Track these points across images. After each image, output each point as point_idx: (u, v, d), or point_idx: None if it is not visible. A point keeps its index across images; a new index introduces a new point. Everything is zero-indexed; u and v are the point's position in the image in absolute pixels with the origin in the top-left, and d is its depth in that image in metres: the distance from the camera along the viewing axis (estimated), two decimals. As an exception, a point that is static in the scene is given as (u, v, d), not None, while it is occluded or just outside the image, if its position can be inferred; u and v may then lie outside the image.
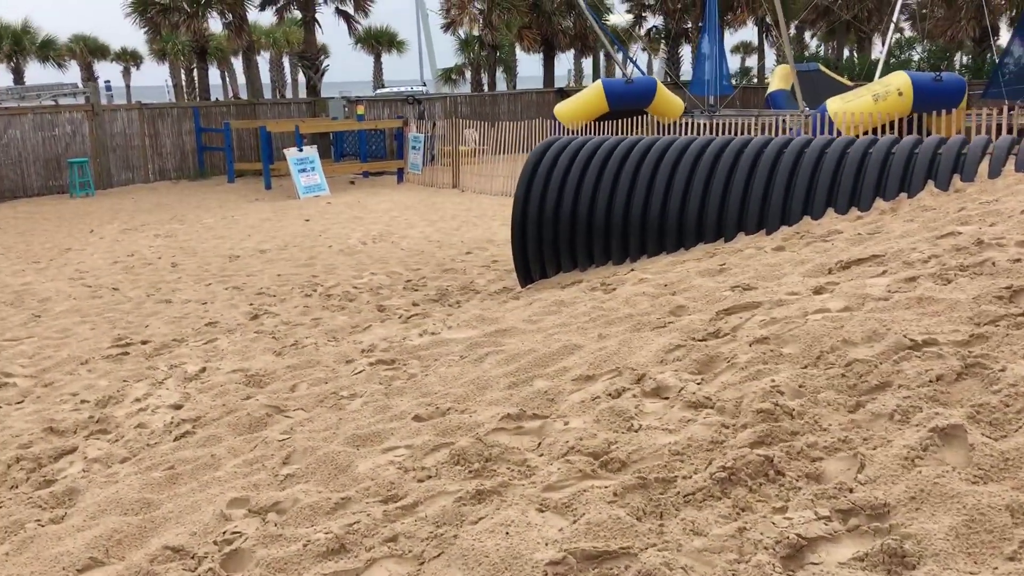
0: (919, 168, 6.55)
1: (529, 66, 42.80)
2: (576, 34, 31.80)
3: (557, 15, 31.38)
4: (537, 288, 7.90)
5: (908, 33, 38.27)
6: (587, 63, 41.41)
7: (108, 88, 50.42)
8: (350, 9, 27.56)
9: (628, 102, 22.42)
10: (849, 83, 27.57)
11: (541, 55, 33.71)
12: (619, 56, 29.60)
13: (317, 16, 26.60)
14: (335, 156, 24.15)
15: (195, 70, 52.59)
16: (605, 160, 7.89)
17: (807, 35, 43.70)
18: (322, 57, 27.74)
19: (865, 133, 15.59)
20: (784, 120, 18.44)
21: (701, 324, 4.42)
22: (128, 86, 69.07)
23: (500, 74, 37.40)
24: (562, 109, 22.63)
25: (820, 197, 6.76)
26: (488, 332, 5.56)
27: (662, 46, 37.27)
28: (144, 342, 7.80)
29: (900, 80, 16.40)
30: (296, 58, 27.22)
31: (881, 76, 31.94)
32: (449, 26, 31.55)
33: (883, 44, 37.37)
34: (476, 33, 31.94)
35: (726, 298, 4.89)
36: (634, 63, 29.34)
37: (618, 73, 29.18)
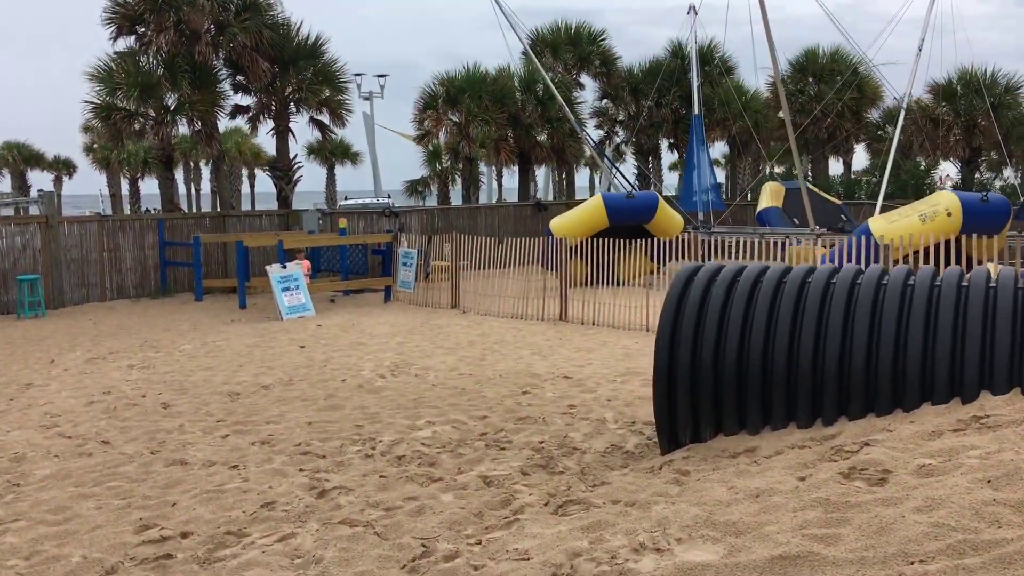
0: None
1: (488, 179, 41.92)
2: (553, 147, 30.96)
3: (535, 128, 30.54)
4: (695, 456, 6.20)
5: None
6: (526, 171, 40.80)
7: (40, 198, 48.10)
8: (326, 119, 26.20)
9: (629, 217, 21.30)
10: (837, 201, 27.09)
11: (517, 168, 32.81)
12: (609, 169, 28.76)
13: (291, 126, 25.18)
14: (312, 273, 22.36)
15: (141, 180, 50.72)
16: (776, 292, 6.37)
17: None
18: (296, 167, 26.21)
19: (915, 254, 14.55)
20: (795, 239, 17.39)
21: None
22: (59, 195, 66.87)
23: (459, 188, 36.37)
24: (559, 223, 21.38)
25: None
26: (764, 559, 3.84)
27: (607, 155, 36.83)
28: (184, 535, 5.83)
29: (948, 200, 15.56)
30: (268, 168, 25.58)
31: (860, 192, 31.86)
32: (423, 137, 30.47)
33: (843, 163, 37.59)
34: (453, 146, 30.87)
35: None
36: (623, 177, 28.51)
37: (602, 186, 28.29)
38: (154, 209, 38.03)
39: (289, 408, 10.01)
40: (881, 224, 15.67)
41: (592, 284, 17.39)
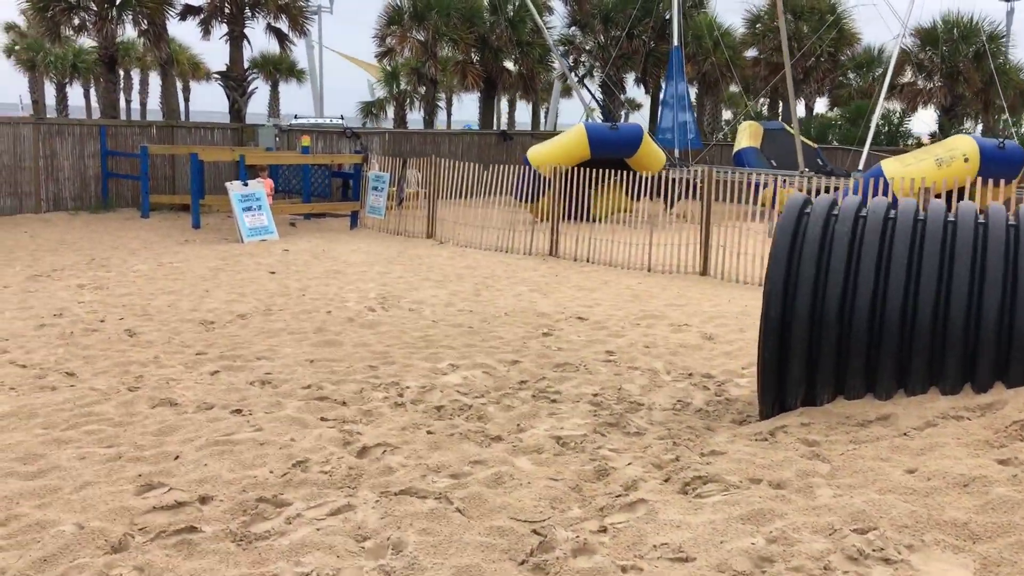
0: None
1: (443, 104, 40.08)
2: (521, 73, 29.43)
3: (504, 53, 28.93)
4: (816, 423, 5.24)
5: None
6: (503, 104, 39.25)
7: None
8: (284, 26, 24.21)
9: (612, 149, 20.17)
10: (813, 144, 26.37)
11: (479, 94, 31.21)
12: (586, 97, 27.45)
13: (246, 31, 23.18)
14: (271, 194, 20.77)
15: (68, 86, 47.33)
16: (914, 231, 5.38)
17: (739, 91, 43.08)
18: (251, 77, 24.27)
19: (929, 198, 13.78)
20: (784, 180, 16.55)
21: None
22: (-28, 99, 62.56)
23: (419, 112, 34.64)
24: (538, 153, 20.13)
25: None
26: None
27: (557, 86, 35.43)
28: (203, 500, 4.67)
29: (966, 145, 14.83)
30: (220, 78, 23.60)
31: (831, 139, 31.22)
32: (385, 55, 28.60)
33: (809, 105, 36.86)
34: (416, 66, 29.05)
35: None
36: (601, 107, 27.25)
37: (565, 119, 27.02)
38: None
39: (278, 342, 8.80)
40: (895, 166, 14.90)
41: (567, 219, 16.30)
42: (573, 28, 33.20)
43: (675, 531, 3.83)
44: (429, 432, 5.73)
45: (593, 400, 6.61)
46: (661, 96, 28.25)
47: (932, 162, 14.65)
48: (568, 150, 20.00)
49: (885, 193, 14.20)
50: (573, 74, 27.74)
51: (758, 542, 3.56)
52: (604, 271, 14.11)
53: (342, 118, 34.84)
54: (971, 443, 4.37)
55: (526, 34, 28.17)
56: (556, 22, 33.11)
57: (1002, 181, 12.36)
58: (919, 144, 27.35)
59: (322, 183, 20.76)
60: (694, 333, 9.25)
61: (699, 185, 13.89)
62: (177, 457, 5.42)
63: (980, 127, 29.47)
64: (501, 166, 17.15)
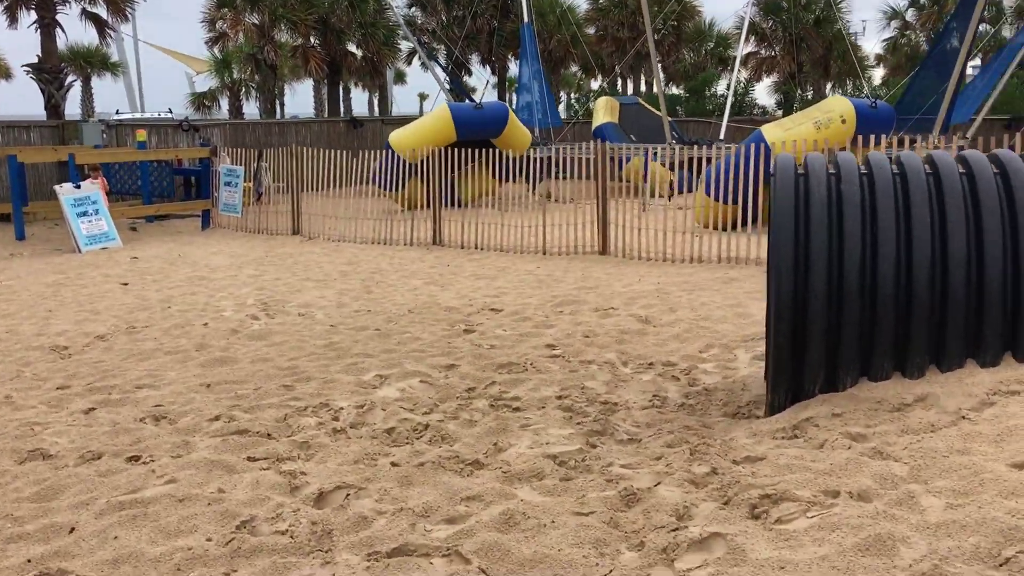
0: None
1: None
2: (366, 57, 28.00)
3: (346, 35, 27.41)
4: (848, 412, 4.59)
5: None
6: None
7: None
8: (102, 12, 21.86)
9: (478, 130, 19.33)
10: (667, 117, 26.40)
11: (315, 81, 29.52)
12: (444, 76, 26.28)
13: (59, 18, 20.74)
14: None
15: None
16: (929, 188, 4.81)
17: (576, 70, 43.09)
18: (66, 70, 21.81)
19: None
20: (656, 152, 16.24)
21: None
22: None
23: (255, 102, 32.63)
24: (401, 137, 19.03)
25: None
26: None
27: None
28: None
29: (842, 106, 14.82)
30: (32, 70, 21.00)
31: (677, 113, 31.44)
32: (216, 41, 26.50)
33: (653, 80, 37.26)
34: (251, 52, 27.03)
35: None
36: (458, 88, 26.21)
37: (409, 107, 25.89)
38: None
39: (156, 365, 7.48)
40: (776, 132, 14.76)
41: (430, 206, 15.36)
42: (414, 8, 32.04)
43: (778, 572, 3.03)
44: (393, 464, 4.72)
45: (561, 404, 5.75)
46: (517, 74, 27.56)
47: (811, 125, 14.60)
48: (432, 133, 19.02)
49: (768, 159, 14.00)
50: (425, 52, 26.63)
51: (903, 580, 2.81)
52: (497, 257, 13.26)
53: (171, 111, 32.33)
54: (1060, 424, 3.81)
55: (369, 14, 26.80)
56: (397, 1, 31.83)
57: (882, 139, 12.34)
58: (765, 113, 27.94)
59: (163, 181, 18.88)
60: (625, 317, 8.55)
61: (593, 162, 13.22)
62: (73, 530, 4.18)
63: (836, 91, 30.37)
64: (372, 152, 15.96)
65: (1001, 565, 2.79)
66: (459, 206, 16.07)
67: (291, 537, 3.89)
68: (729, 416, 5.43)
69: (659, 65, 22.01)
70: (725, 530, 3.43)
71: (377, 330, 8.40)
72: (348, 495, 4.32)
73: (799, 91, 28.35)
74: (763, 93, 35.44)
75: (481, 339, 7.80)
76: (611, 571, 3.25)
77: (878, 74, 42.20)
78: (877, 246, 4.70)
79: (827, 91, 29.05)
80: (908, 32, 40.42)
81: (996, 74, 18.44)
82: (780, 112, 28.48)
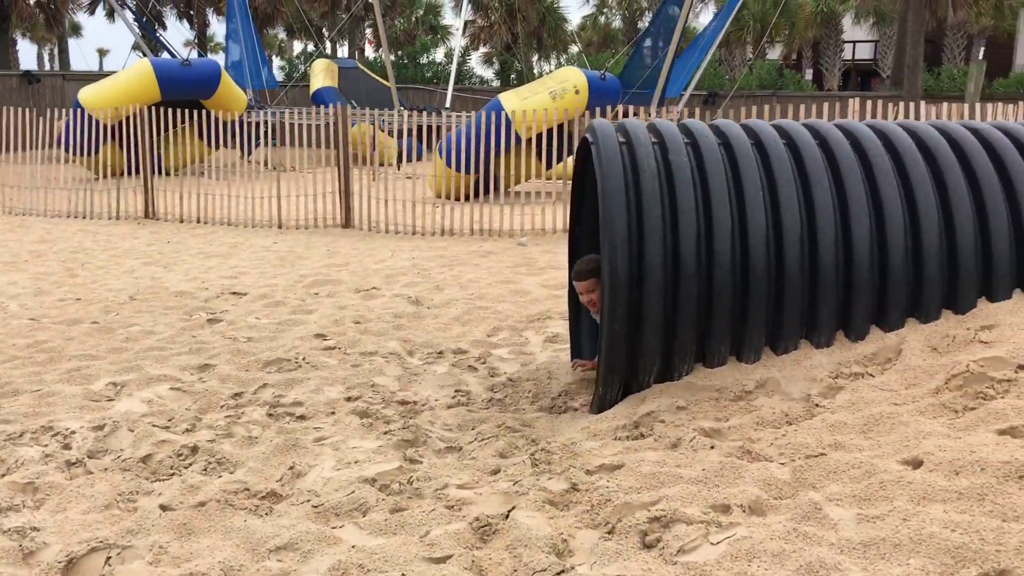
0: None
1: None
2: (41, 4, 24.40)
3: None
4: (694, 404, 4.21)
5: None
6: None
7: None
8: None
9: (186, 89, 17.47)
10: (387, 83, 25.65)
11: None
12: (134, 26, 23.29)
13: None
14: None
15: None
16: (757, 157, 4.54)
17: (281, 32, 40.85)
18: None
19: (550, 133, 13.65)
20: (385, 119, 15.64)
21: None
22: None
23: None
24: (93, 95, 16.73)
25: None
26: None
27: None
28: None
29: (576, 77, 14.78)
30: None
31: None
32: None
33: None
34: None
35: None
36: (157, 41, 23.50)
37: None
38: None
39: None
40: (513, 100, 14.48)
41: (132, 173, 13.65)
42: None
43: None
44: (163, 507, 3.67)
45: (354, 408, 4.92)
46: (224, 32, 25.39)
47: (547, 95, 14.51)
48: (132, 91, 16.92)
49: (508, 128, 13.78)
50: (116, 1, 23.73)
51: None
52: (225, 232, 11.90)
53: None
54: (925, 409, 3.63)
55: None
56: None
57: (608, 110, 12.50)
58: (483, 83, 27.98)
59: None
60: (392, 298, 7.80)
61: (333, 127, 12.14)
62: None
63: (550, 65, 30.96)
64: (56, 112, 13.75)
65: (968, 592, 2.45)
66: (164, 174, 14.39)
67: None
68: (545, 411, 4.90)
69: (385, 30, 21.10)
70: (625, 571, 2.85)
71: (95, 323, 7.01)
72: (109, 559, 3.26)
73: (517, 63, 28.71)
74: (477, 64, 35.70)
75: (232, 330, 6.71)
76: None
77: (573, 50, 44.09)
78: (712, 221, 4.34)
79: (535, 64, 29.69)
80: (605, 10, 42.54)
81: (703, 51, 19.57)
82: (498, 82, 28.69)
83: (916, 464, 3.21)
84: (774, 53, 38.58)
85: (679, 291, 4.30)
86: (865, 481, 3.17)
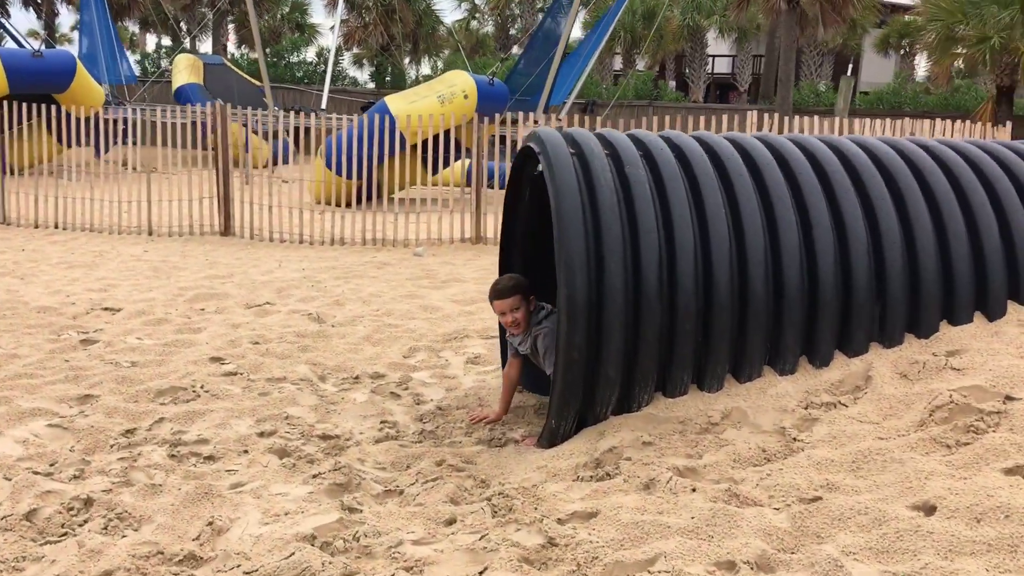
0: None
1: None
2: None
3: None
4: (661, 440, 3.89)
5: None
6: None
7: None
8: None
9: (36, 82, 16.08)
10: (257, 82, 24.55)
11: None
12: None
13: None
14: None
15: None
16: (716, 172, 4.27)
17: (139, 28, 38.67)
18: None
19: (436, 138, 13.21)
20: (256, 119, 14.90)
21: None
22: None
23: None
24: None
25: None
26: None
27: None
28: None
29: (464, 82, 14.31)
30: None
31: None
32: None
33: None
34: None
35: None
36: (4, 29, 21.55)
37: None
38: None
39: None
40: (400, 104, 13.92)
41: None
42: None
43: None
44: (83, 564, 3.06)
45: (270, 445, 4.36)
46: (75, 21, 23.63)
47: (435, 99, 14.03)
48: (-25, 83, 15.38)
49: (392, 131, 13.26)
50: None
51: None
52: (88, 239, 10.88)
53: None
54: (915, 444, 3.42)
55: None
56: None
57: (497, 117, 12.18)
58: (356, 84, 27.18)
59: None
60: (289, 315, 7.19)
61: (211, 127, 11.28)
62: None
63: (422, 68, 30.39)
64: None
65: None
66: (11, 173, 13.15)
67: None
68: (484, 443, 4.48)
69: (258, 26, 20.11)
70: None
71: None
72: None
73: (392, 65, 28.02)
74: (349, 64, 34.70)
75: (112, 352, 5.97)
76: None
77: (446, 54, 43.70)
78: (673, 240, 4.04)
79: (407, 67, 29.13)
80: (477, 15, 42.38)
81: (585, 60, 19.53)
82: (373, 84, 27.92)
83: (928, 510, 2.98)
84: (639, 64, 39.34)
85: (641, 316, 3.97)
86: (877, 530, 2.91)
